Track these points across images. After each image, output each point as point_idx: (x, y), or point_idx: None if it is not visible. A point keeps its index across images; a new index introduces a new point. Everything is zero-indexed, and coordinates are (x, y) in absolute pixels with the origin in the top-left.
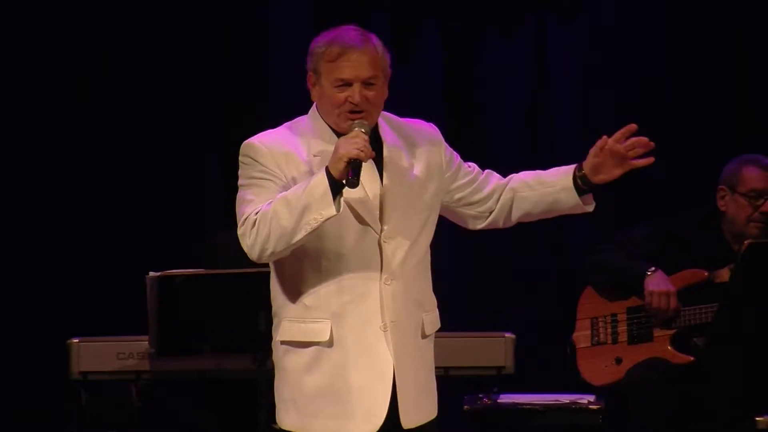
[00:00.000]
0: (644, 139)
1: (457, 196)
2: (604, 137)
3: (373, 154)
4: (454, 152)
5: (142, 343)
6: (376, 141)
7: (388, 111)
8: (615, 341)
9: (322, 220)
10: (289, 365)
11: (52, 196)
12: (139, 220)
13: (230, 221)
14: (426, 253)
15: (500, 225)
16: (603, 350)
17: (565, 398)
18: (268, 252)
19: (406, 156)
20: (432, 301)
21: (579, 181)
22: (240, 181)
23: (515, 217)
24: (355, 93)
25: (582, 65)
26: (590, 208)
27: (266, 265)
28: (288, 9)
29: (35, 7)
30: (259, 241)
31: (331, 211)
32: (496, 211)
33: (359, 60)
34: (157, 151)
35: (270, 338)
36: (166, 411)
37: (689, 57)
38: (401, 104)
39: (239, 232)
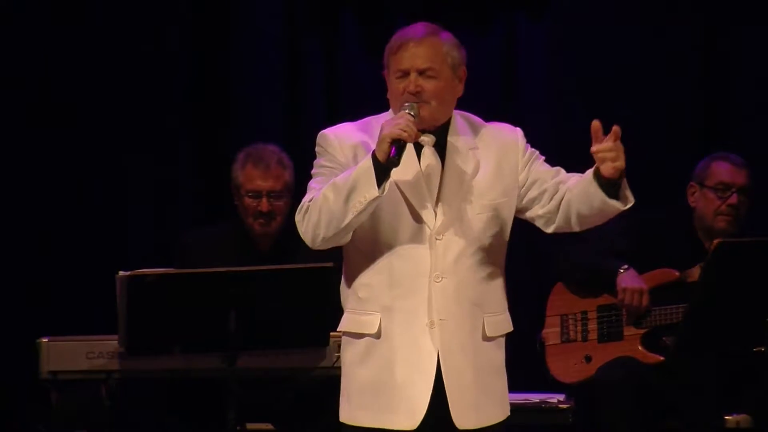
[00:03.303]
0: (609, 140)
1: (529, 195)
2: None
3: (419, 135)
4: (536, 152)
5: (111, 343)
6: (444, 135)
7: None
8: (585, 339)
9: (366, 202)
10: (346, 357)
11: (24, 192)
12: (112, 219)
13: (204, 220)
14: (491, 255)
15: (569, 227)
16: (573, 348)
17: (534, 397)
18: (320, 237)
19: (475, 154)
20: (498, 303)
21: (597, 173)
22: (312, 170)
23: (573, 217)
24: (410, 82)
25: (552, 64)
26: (620, 204)
27: (238, 264)
28: (258, 8)
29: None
30: (311, 226)
31: (374, 192)
32: (559, 213)
33: (415, 50)
34: (131, 149)
35: (240, 338)
36: (137, 410)
37: (661, 57)
38: (372, 102)
39: (296, 218)
